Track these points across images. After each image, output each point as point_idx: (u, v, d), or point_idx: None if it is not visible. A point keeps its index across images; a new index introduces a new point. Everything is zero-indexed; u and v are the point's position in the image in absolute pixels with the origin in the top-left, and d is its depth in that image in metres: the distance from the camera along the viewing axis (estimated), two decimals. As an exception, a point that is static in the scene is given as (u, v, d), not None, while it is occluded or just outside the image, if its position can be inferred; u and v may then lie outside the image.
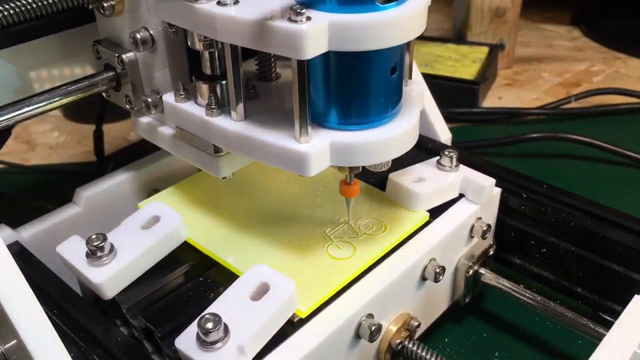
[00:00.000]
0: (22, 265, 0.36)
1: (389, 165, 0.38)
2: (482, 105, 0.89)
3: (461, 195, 0.48)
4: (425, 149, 0.54)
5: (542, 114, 0.85)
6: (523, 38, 1.11)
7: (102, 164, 0.69)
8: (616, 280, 0.46)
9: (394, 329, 0.41)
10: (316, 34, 0.32)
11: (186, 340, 0.34)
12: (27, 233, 0.46)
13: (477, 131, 0.82)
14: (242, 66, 0.37)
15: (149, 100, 0.44)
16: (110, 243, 0.39)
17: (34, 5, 0.44)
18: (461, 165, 0.48)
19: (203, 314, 0.34)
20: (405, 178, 0.46)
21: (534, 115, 0.85)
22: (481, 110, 0.86)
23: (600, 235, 0.46)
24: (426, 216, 0.45)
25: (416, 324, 0.42)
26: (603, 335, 0.38)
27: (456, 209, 0.46)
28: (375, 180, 0.49)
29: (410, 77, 0.42)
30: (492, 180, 0.47)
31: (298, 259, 0.41)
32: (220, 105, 0.39)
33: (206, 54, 0.40)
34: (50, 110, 0.44)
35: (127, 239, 0.40)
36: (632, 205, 0.63)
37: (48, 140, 0.82)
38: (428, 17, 0.36)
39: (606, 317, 0.46)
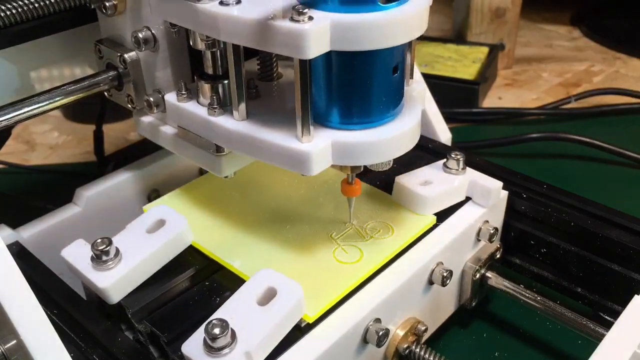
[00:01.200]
0: (22, 265, 0.36)
1: (390, 164, 0.38)
2: (482, 105, 0.89)
3: (468, 199, 0.47)
4: (427, 149, 0.54)
5: (542, 114, 0.85)
6: (523, 38, 1.11)
7: (102, 164, 0.69)
8: (616, 280, 0.46)
9: (401, 333, 0.41)
10: (318, 34, 0.32)
11: (193, 346, 0.34)
12: (27, 233, 0.46)
13: (477, 131, 0.82)
14: (244, 66, 0.37)
15: (151, 99, 0.44)
16: (116, 247, 0.39)
17: (35, 5, 0.44)
18: (468, 168, 0.48)
19: (210, 319, 0.33)
20: (412, 181, 0.46)
21: (534, 116, 0.85)
22: (481, 111, 0.86)
23: (601, 235, 0.46)
24: (433, 219, 0.45)
25: (423, 328, 0.42)
26: (603, 335, 0.38)
27: (463, 212, 0.46)
28: (382, 183, 0.49)
29: (411, 77, 0.42)
30: (500, 184, 0.47)
31: (304, 263, 0.41)
32: (223, 105, 0.39)
33: (208, 54, 0.40)
34: (52, 109, 0.44)
35: (132, 243, 0.40)
36: (632, 205, 0.63)
37: (48, 140, 0.82)
38: (429, 17, 0.36)
39: (606, 317, 0.46)
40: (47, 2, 0.44)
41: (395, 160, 0.38)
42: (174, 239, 0.41)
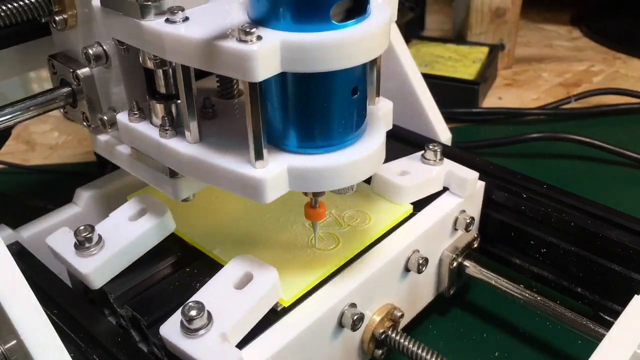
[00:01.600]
0: (22, 265, 0.36)
1: (354, 189, 0.37)
2: (482, 105, 0.89)
3: (445, 189, 0.48)
4: (410, 143, 0.55)
5: (542, 114, 0.85)
6: (523, 38, 1.11)
7: (102, 164, 0.69)
8: (616, 280, 0.46)
9: (377, 318, 0.42)
10: (267, 55, 0.30)
11: (171, 328, 0.34)
12: (27, 233, 0.46)
13: (477, 131, 0.82)
14: (196, 85, 0.35)
15: (105, 118, 0.42)
16: (98, 234, 0.40)
17: None
18: (445, 159, 0.49)
19: (187, 302, 0.34)
20: (390, 171, 0.47)
21: (534, 116, 0.85)
22: (481, 111, 0.86)
23: (600, 235, 0.46)
24: (410, 209, 0.46)
25: (399, 314, 0.43)
26: (603, 335, 0.38)
27: (440, 202, 0.47)
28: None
29: (377, 95, 0.40)
30: (476, 174, 0.48)
31: (282, 250, 0.42)
32: (176, 126, 0.37)
33: (160, 72, 0.38)
34: (3, 128, 0.42)
35: (115, 231, 0.41)
36: (632, 205, 0.63)
37: (48, 140, 0.82)
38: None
39: (606, 317, 0.46)
40: (2, 14, 0.42)
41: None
42: (155, 227, 0.41)
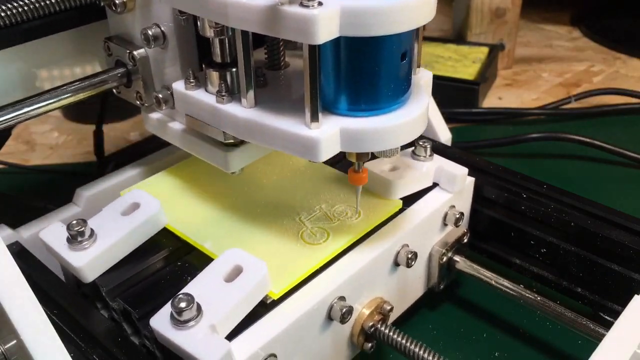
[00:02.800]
0: (22, 265, 0.36)
1: (398, 152, 0.39)
2: (482, 105, 0.89)
3: (435, 185, 0.49)
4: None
5: (542, 114, 0.85)
6: (523, 38, 1.11)
7: (102, 164, 0.69)
8: (616, 280, 0.46)
9: (366, 312, 0.42)
10: (328, 19, 0.32)
11: (161, 320, 0.35)
12: (27, 233, 0.46)
13: (477, 131, 0.82)
14: (253, 54, 0.37)
15: (160, 96, 0.44)
16: (91, 228, 0.40)
17: (42, 3, 0.44)
18: (435, 155, 0.49)
19: (177, 294, 0.34)
20: (380, 167, 0.47)
21: (534, 116, 0.85)
22: (481, 111, 0.86)
23: (600, 235, 0.46)
24: (399, 204, 0.46)
25: (389, 307, 0.43)
26: (603, 335, 0.38)
27: (429, 197, 0.48)
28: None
29: (419, 66, 0.42)
30: (465, 170, 0.48)
31: (272, 243, 0.42)
32: (231, 93, 0.39)
33: (217, 42, 0.40)
34: (61, 107, 0.44)
35: (107, 225, 0.41)
36: (632, 205, 0.63)
37: (48, 140, 0.82)
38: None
39: (606, 317, 0.46)
40: (54, 0, 0.44)
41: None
42: (147, 221, 0.42)
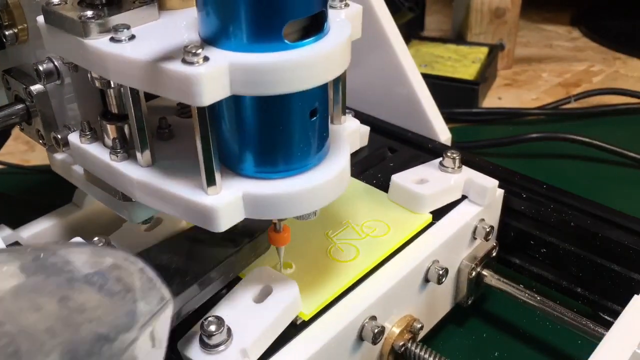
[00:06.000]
0: (22, 265, 0.36)
1: (317, 214, 0.35)
2: (482, 105, 0.89)
3: (464, 197, 0.47)
4: (426, 149, 0.54)
5: (542, 114, 0.85)
6: (523, 38, 1.11)
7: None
8: (616, 280, 0.46)
9: (396, 331, 0.41)
10: (214, 78, 0.28)
11: (189, 343, 0.34)
12: (27, 233, 0.46)
13: (477, 131, 0.82)
14: (152, 104, 0.34)
15: (59, 137, 0.40)
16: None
17: None
18: (464, 167, 0.48)
19: (206, 316, 0.33)
20: (408, 179, 0.46)
21: (534, 116, 0.85)
22: (481, 111, 0.86)
23: (600, 235, 0.46)
24: (429, 218, 0.45)
25: (419, 325, 0.42)
26: (603, 335, 0.38)
27: (459, 211, 0.46)
28: (378, 181, 0.49)
29: (343, 113, 0.38)
30: (495, 182, 0.47)
31: (300, 261, 0.41)
32: (129, 148, 0.35)
33: (110, 92, 0.36)
34: None
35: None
36: (632, 205, 0.63)
37: (48, 140, 0.82)
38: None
39: (606, 317, 0.46)
40: None
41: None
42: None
